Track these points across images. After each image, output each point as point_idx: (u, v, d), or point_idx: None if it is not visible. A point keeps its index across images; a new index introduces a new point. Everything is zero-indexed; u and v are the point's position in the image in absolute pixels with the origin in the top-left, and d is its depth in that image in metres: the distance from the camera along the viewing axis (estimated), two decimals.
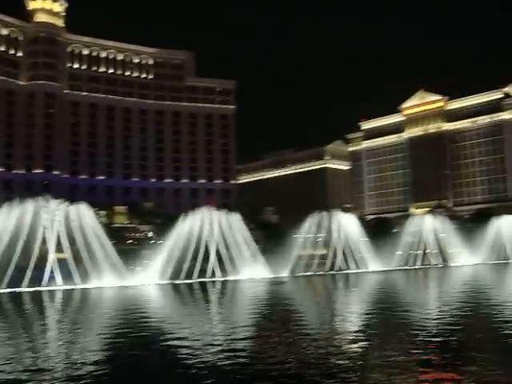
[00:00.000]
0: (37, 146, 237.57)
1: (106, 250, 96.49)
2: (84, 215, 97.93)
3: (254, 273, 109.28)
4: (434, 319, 34.78)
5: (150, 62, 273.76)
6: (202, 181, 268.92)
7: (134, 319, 41.08)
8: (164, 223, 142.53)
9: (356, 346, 26.77)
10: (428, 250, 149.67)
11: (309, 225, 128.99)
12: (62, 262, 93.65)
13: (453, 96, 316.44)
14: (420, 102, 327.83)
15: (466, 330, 31.27)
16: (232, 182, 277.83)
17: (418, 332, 29.45)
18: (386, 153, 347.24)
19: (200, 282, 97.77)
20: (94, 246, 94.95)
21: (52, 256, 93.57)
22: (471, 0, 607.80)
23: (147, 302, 66.43)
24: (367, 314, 41.42)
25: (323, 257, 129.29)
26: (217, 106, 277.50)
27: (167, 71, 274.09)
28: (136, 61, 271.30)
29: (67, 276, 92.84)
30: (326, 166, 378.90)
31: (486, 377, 19.50)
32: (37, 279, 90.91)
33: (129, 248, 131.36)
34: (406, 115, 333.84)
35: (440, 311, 40.11)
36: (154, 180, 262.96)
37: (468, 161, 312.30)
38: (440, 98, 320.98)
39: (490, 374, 19.79)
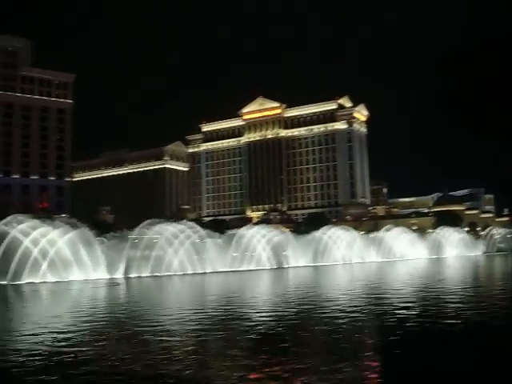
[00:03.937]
0: None
1: None
2: None
3: (89, 274, 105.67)
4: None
5: None
6: (35, 177, 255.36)
7: None
8: None
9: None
10: (254, 253, 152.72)
11: (144, 225, 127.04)
12: None
13: (290, 104, 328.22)
14: (259, 108, 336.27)
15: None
16: (67, 179, 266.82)
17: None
18: (224, 156, 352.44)
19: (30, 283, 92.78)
20: None
21: None
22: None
23: None
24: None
25: (159, 258, 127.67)
26: (53, 99, 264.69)
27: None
28: None
29: None
30: (165, 166, 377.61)
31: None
32: None
33: None
34: (245, 120, 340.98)
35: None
36: None
37: (303, 167, 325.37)
38: (278, 105, 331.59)
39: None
